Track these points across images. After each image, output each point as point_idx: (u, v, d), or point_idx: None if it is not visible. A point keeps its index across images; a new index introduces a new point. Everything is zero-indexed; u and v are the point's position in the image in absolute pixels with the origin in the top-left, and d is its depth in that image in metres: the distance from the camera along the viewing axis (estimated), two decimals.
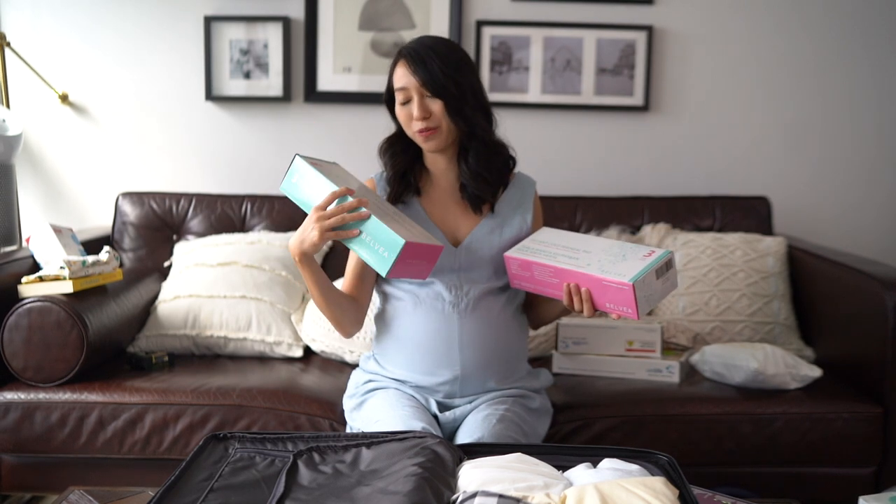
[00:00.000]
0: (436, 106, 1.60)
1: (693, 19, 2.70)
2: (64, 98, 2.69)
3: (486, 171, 1.65)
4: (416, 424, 1.47)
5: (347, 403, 1.73)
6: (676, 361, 2.01)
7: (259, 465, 1.24)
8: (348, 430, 1.72)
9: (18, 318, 1.89)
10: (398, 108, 1.63)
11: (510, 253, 1.58)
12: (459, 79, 1.60)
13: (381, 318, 1.72)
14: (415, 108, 1.60)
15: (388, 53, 2.68)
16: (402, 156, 1.69)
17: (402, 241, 1.39)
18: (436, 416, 1.59)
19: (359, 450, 1.27)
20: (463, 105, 1.61)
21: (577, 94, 2.71)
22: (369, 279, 1.71)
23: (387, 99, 1.68)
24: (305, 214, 1.52)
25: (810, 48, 2.72)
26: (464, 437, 1.52)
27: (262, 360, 2.18)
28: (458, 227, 1.68)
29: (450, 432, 1.59)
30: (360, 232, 1.45)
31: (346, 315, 1.64)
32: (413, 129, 1.62)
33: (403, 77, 1.60)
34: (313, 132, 2.74)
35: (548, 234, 1.63)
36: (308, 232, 1.47)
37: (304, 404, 1.86)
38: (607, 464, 1.20)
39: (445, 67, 1.60)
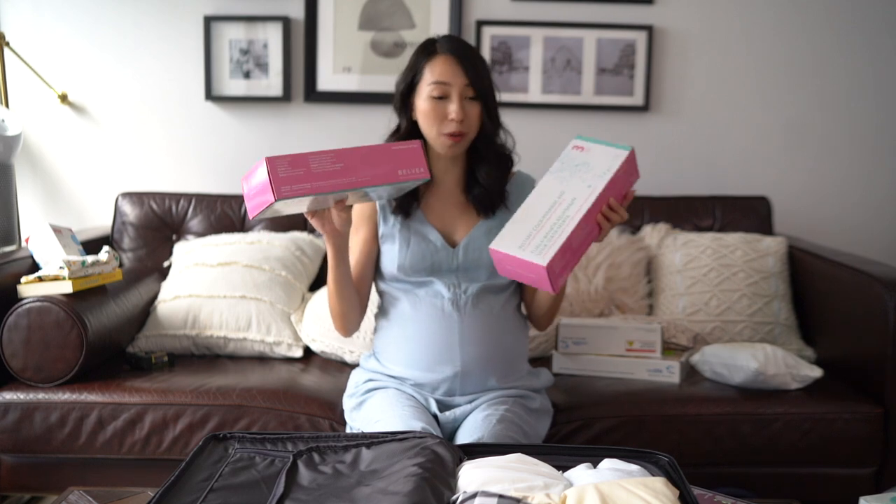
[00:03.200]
0: (474, 110, 1.59)
1: (693, 19, 2.70)
2: (63, 98, 2.69)
3: (499, 179, 1.66)
4: (416, 424, 1.47)
5: (347, 403, 1.73)
6: (676, 361, 2.01)
7: (259, 466, 1.24)
8: (348, 430, 1.72)
9: (18, 318, 1.89)
10: (427, 102, 1.58)
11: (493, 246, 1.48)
12: (493, 83, 1.62)
13: (381, 316, 1.72)
14: (454, 108, 1.56)
15: (388, 53, 2.68)
16: None
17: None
18: (436, 417, 1.58)
19: (359, 450, 1.27)
20: (497, 111, 1.63)
21: (577, 94, 2.71)
22: (369, 274, 1.71)
23: (405, 91, 1.62)
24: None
25: (810, 48, 2.72)
26: (464, 437, 1.52)
27: (262, 360, 2.18)
28: (455, 227, 1.68)
29: (450, 432, 1.59)
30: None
31: (354, 310, 1.64)
32: (444, 129, 1.58)
33: (448, 73, 1.56)
34: (313, 132, 2.73)
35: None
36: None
37: (304, 404, 1.86)
38: (607, 464, 1.19)
39: (486, 71, 1.61)
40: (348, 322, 1.66)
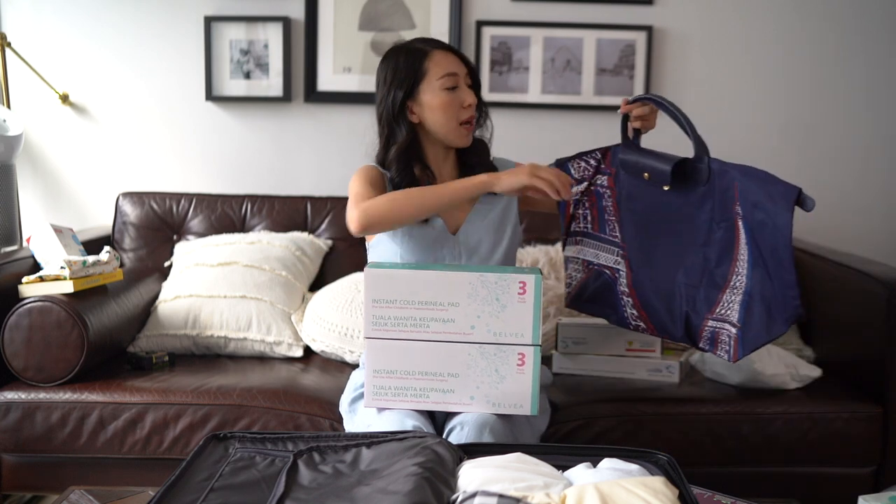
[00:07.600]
0: (474, 96, 1.66)
1: (693, 20, 2.70)
2: (64, 98, 2.70)
3: (487, 162, 1.73)
4: (408, 423, 1.46)
5: (344, 406, 1.72)
6: (676, 361, 2.01)
7: (259, 465, 1.24)
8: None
9: (19, 317, 1.90)
10: (441, 95, 1.61)
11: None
12: None
13: None
14: (468, 94, 1.62)
15: None
16: (410, 167, 1.66)
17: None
18: (433, 415, 1.58)
19: (359, 449, 1.28)
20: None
21: (577, 94, 2.71)
22: None
23: (403, 99, 1.62)
24: None
25: (809, 48, 2.72)
26: (463, 436, 1.52)
27: (263, 359, 2.19)
28: (454, 216, 1.70)
29: (448, 432, 1.58)
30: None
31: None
32: (461, 117, 1.62)
33: (454, 63, 1.62)
34: (313, 132, 2.74)
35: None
36: (518, 175, 1.52)
37: (304, 404, 1.86)
38: (607, 463, 1.20)
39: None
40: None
